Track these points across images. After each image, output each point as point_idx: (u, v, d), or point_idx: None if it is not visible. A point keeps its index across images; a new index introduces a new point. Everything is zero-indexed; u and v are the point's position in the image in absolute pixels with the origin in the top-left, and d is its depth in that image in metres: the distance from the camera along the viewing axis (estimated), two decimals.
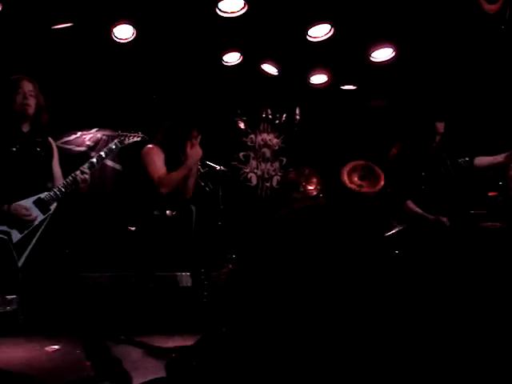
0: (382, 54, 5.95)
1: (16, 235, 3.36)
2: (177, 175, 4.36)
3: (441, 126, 4.54)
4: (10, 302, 5.06)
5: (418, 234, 4.48)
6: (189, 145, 4.36)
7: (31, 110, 3.50)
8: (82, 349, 3.66)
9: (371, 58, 6.00)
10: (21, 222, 3.36)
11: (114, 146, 3.80)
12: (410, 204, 4.49)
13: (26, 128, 3.57)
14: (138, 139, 4.03)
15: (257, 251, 2.20)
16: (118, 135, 3.90)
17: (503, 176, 4.98)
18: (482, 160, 4.57)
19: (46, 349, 4.47)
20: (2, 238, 3.32)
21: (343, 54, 6.22)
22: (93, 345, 3.58)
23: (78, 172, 3.57)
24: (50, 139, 3.74)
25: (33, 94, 3.52)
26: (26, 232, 3.38)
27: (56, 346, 4.52)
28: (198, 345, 2.73)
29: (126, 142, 3.93)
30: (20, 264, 3.34)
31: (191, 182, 4.62)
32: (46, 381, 3.63)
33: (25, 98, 3.47)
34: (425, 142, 4.57)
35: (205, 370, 2.45)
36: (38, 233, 3.42)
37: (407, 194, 4.53)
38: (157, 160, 4.43)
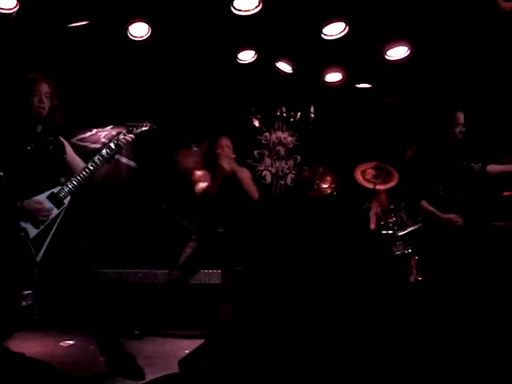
0: (397, 53, 5.91)
1: (32, 231, 3.40)
2: (213, 185, 4.93)
3: (461, 117, 4.39)
4: (26, 297, 5.15)
5: (432, 233, 4.43)
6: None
7: (45, 112, 3.58)
8: (96, 344, 3.71)
9: (386, 57, 5.97)
10: (35, 217, 3.40)
11: (121, 136, 3.83)
12: (424, 203, 4.38)
13: (39, 128, 3.64)
14: (147, 128, 4.04)
15: (269, 261, 2.20)
16: (125, 125, 3.91)
17: None
18: (494, 168, 4.45)
19: (61, 344, 4.52)
20: (20, 234, 3.36)
21: (358, 53, 6.20)
22: (107, 341, 3.62)
23: (89, 164, 3.61)
24: (61, 138, 3.79)
25: (48, 95, 3.57)
26: (41, 227, 3.43)
27: (71, 342, 4.57)
28: (210, 341, 2.72)
29: (134, 131, 3.94)
30: (38, 259, 3.38)
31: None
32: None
33: (40, 101, 3.53)
34: (445, 135, 4.40)
35: (217, 367, 2.45)
36: (54, 227, 3.47)
37: (422, 193, 4.42)
38: (199, 178, 5.04)
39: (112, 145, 3.78)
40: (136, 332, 4.73)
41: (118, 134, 3.92)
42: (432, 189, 4.38)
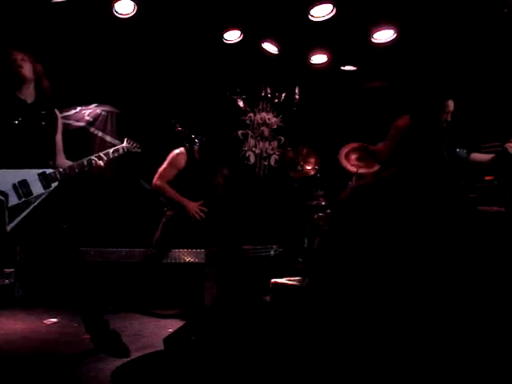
0: (384, 36, 5.93)
1: (13, 199, 3.39)
2: (170, 196, 5.00)
3: (451, 105, 4.42)
4: (8, 275, 5.15)
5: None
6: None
7: (26, 72, 3.50)
8: (80, 322, 3.72)
9: (373, 40, 5.98)
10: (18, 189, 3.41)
11: (121, 150, 4.00)
12: None
13: (30, 98, 3.57)
14: (139, 151, 4.25)
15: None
16: (127, 140, 4.13)
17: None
18: (476, 156, 4.54)
19: (45, 322, 4.50)
20: None
21: (344, 35, 6.21)
22: (92, 318, 3.63)
23: (85, 160, 3.65)
24: (57, 111, 3.75)
25: (26, 59, 3.52)
26: (23, 199, 3.41)
27: (54, 319, 4.56)
28: (196, 319, 2.75)
29: (131, 149, 4.12)
30: (9, 228, 3.36)
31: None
32: (44, 353, 3.67)
33: (16, 61, 3.47)
34: (433, 121, 4.43)
35: (204, 344, 2.48)
36: (34, 203, 3.45)
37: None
38: (172, 168, 5.04)
39: (110, 152, 3.88)
40: (110, 307, 4.74)
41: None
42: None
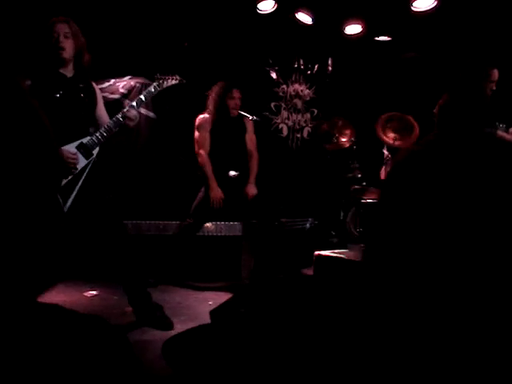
0: (424, 3, 5.75)
1: (62, 180, 3.36)
2: (206, 173, 4.97)
3: (496, 74, 4.29)
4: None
5: None
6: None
7: (66, 54, 3.46)
8: (120, 295, 3.72)
9: (412, 8, 5.81)
10: (65, 166, 3.36)
11: (153, 89, 3.76)
12: None
13: (69, 73, 3.55)
14: (176, 82, 3.96)
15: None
16: (156, 78, 3.83)
17: None
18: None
19: (85, 294, 4.53)
20: None
21: (382, 3, 6.05)
22: (135, 290, 3.62)
23: (119, 115, 3.54)
24: (94, 84, 3.71)
25: (68, 35, 3.46)
26: (70, 177, 3.38)
27: (94, 292, 4.58)
28: (247, 291, 2.71)
29: (165, 85, 3.86)
30: (66, 209, 3.34)
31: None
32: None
33: (58, 41, 3.42)
34: (478, 91, 4.31)
35: (254, 318, 2.44)
36: (82, 178, 3.42)
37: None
38: (206, 128, 5.04)
39: (142, 97, 3.70)
40: (151, 280, 4.74)
41: (148, 86, 3.85)
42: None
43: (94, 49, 5.43)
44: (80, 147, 3.45)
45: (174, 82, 3.93)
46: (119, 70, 6.21)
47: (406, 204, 1.93)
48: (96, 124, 3.67)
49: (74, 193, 3.38)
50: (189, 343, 2.49)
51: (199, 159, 5.01)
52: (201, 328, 2.72)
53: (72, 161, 3.36)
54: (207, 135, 5.03)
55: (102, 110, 3.74)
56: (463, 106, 4.04)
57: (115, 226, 3.56)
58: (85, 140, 3.48)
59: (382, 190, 2.08)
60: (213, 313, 2.81)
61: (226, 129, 5.04)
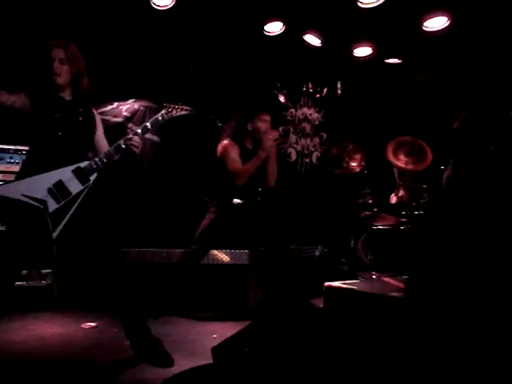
0: (437, 23, 5.59)
1: (52, 204, 3.19)
2: (251, 166, 4.74)
3: None
4: (45, 276, 4.99)
5: None
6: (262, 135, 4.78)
7: (61, 80, 3.33)
8: (120, 327, 3.52)
9: (424, 28, 5.65)
10: (55, 194, 3.20)
11: (160, 118, 3.56)
12: None
13: (68, 96, 3.42)
14: (186, 113, 3.76)
15: None
16: (165, 106, 3.64)
17: None
18: None
19: (83, 326, 4.33)
20: (37, 206, 3.14)
21: (392, 24, 5.90)
22: (133, 323, 3.42)
23: (121, 141, 3.36)
24: (94, 110, 3.56)
25: (64, 61, 3.32)
26: (63, 202, 3.20)
27: (92, 323, 4.37)
28: (251, 328, 2.50)
29: (174, 114, 3.65)
30: (55, 236, 3.16)
31: (271, 168, 4.96)
32: (83, 359, 3.48)
33: (53, 67, 3.30)
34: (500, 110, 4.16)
35: (259, 358, 2.23)
36: (76, 204, 3.24)
37: None
38: (233, 155, 4.81)
39: (148, 125, 3.52)
40: (153, 311, 4.54)
41: (152, 109, 3.69)
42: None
43: (98, 71, 5.31)
44: (76, 171, 3.28)
45: (183, 112, 3.73)
46: (123, 93, 6.08)
47: (458, 233, 1.74)
48: (94, 149, 3.50)
49: (66, 219, 3.19)
50: None
51: (244, 175, 4.80)
52: (201, 369, 2.51)
53: None
54: (239, 160, 4.85)
55: (101, 136, 3.58)
56: (485, 122, 3.88)
57: (110, 255, 3.38)
58: (82, 164, 3.31)
59: (427, 221, 1.91)
60: (215, 350, 2.60)
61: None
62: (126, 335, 3.45)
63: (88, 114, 3.49)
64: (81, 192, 3.26)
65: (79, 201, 3.25)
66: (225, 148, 4.86)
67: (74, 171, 3.27)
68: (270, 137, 4.75)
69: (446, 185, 3.88)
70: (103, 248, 3.35)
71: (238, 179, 4.75)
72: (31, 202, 3.15)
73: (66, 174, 3.25)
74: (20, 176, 3.26)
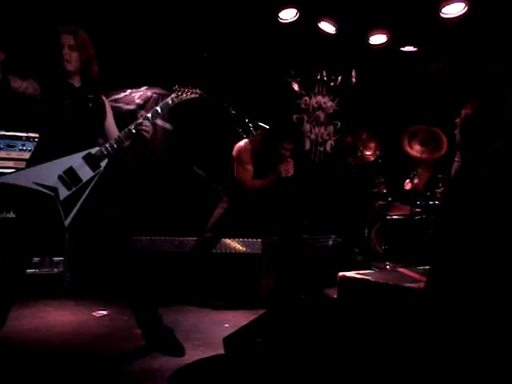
0: (454, 10, 5.49)
1: (64, 192, 3.15)
2: (260, 184, 4.78)
3: None
4: (57, 264, 4.97)
5: None
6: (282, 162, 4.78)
7: (71, 67, 3.27)
8: (131, 315, 3.49)
9: (441, 15, 5.55)
10: (66, 181, 3.16)
11: (170, 102, 3.50)
12: None
13: (77, 83, 3.36)
14: (196, 96, 3.69)
15: None
16: (175, 90, 3.59)
17: None
18: None
19: (94, 314, 4.31)
20: (49, 194, 3.11)
21: (409, 11, 5.80)
22: (144, 312, 3.39)
23: (131, 126, 3.32)
24: (103, 97, 3.50)
25: (74, 47, 3.27)
26: (74, 189, 3.16)
27: (104, 312, 4.35)
28: (264, 318, 2.45)
29: (184, 97, 3.60)
30: (67, 223, 3.12)
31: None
32: (93, 347, 3.46)
33: (62, 54, 3.24)
34: (500, 97, 4.10)
35: (272, 349, 2.19)
36: (87, 190, 3.20)
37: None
38: (245, 161, 4.79)
39: (158, 109, 3.46)
40: (164, 299, 4.51)
41: (165, 96, 3.63)
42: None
43: (111, 58, 5.30)
44: (87, 158, 3.23)
45: (193, 95, 3.65)
46: (136, 80, 6.04)
47: (478, 225, 1.68)
48: (104, 136, 3.46)
49: (78, 206, 3.15)
50: (197, 377, 2.25)
51: (253, 189, 4.80)
52: (212, 359, 2.47)
53: None
54: (251, 167, 4.82)
55: (111, 123, 3.52)
56: (488, 117, 3.79)
57: (121, 243, 3.34)
58: (93, 151, 3.26)
59: (447, 212, 1.83)
60: (226, 340, 2.56)
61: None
62: (138, 324, 3.42)
63: (97, 101, 3.43)
64: (92, 178, 3.22)
65: (90, 187, 3.21)
66: (239, 151, 4.83)
67: (84, 157, 3.22)
68: (286, 168, 4.78)
69: (460, 176, 3.83)
70: (114, 235, 3.32)
71: (244, 187, 4.78)
72: (42, 189, 3.11)
73: (76, 160, 3.20)
74: (30, 163, 3.22)
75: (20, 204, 3.21)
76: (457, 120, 4.79)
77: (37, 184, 3.11)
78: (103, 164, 3.28)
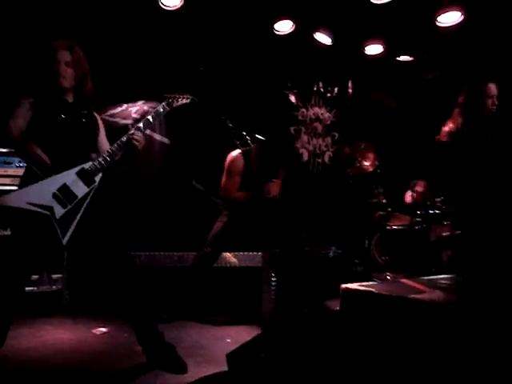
0: (450, 18, 5.47)
1: (59, 210, 3.09)
2: (242, 197, 4.82)
3: (492, 88, 4.09)
4: (56, 281, 4.92)
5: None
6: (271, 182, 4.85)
7: (66, 83, 3.25)
8: (131, 332, 3.45)
9: (437, 23, 5.54)
10: (61, 199, 3.11)
11: (161, 109, 3.48)
12: None
13: (71, 99, 3.34)
14: (188, 101, 3.65)
15: None
16: (165, 97, 3.55)
17: None
18: None
19: (94, 331, 4.26)
20: (44, 213, 3.05)
21: (404, 20, 5.80)
22: (145, 329, 3.34)
23: (123, 137, 3.28)
24: (95, 113, 3.48)
25: (69, 64, 3.24)
26: (69, 206, 3.11)
27: (103, 329, 4.31)
28: (267, 333, 2.41)
29: (175, 104, 3.54)
30: (65, 242, 3.06)
31: None
32: (94, 366, 3.41)
33: (59, 70, 3.21)
34: (475, 107, 4.12)
35: (276, 365, 2.14)
36: (83, 206, 3.15)
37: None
38: (237, 172, 4.85)
39: (150, 118, 3.44)
40: (164, 315, 4.46)
41: (155, 107, 3.59)
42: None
43: (106, 72, 5.30)
44: (81, 173, 3.18)
45: (184, 100, 3.62)
46: (132, 95, 6.01)
47: None
48: (97, 151, 3.42)
49: (75, 223, 3.10)
50: None
51: (236, 200, 4.84)
52: (216, 377, 2.43)
53: None
54: (239, 179, 4.87)
55: (103, 138, 3.50)
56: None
57: (120, 259, 3.29)
58: (86, 166, 3.21)
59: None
60: (230, 356, 2.52)
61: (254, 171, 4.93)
62: (138, 341, 3.38)
63: (90, 117, 3.41)
64: (87, 194, 3.17)
65: (86, 203, 3.16)
66: (231, 161, 4.90)
67: (78, 173, 3.17)
68: (268, 189, 4.83)
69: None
70: (112, 251, 3.27)
71: (225, 196, 4.89)
72: (37, 209, 3.04)
73: (70, 177, 3.16)
74: (24, 181, 3.17)
75: (16, 225, 3.16)
76: (438, 137, 4.83)
77: (31, 204, 3.04)
78: (97, 179, 3.24)
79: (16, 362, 3.42)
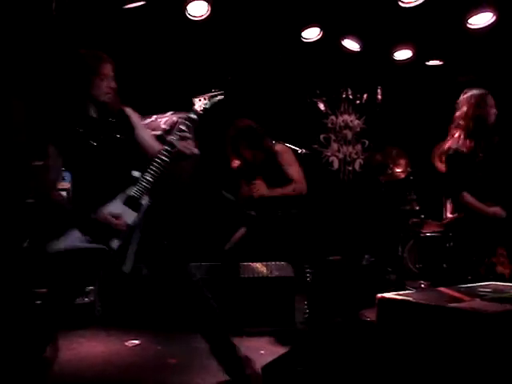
0: (481, 20, 5.38)
1: (114, 242, 2.96)
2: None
3: (491, 97, 4.21)
4: (88, 293, 4.91)
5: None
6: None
7: (110, 99, 3.09)
8: (163, 344, 3.40)
9: (468, 25, 5.44)
10: (114, 230, 2.96)
11: (193, 115, 3.29)
12: (466, 195, 4.16)
13: (95, 113, 3.14)
14: (219, 98, 3.36)
15: None
16: (193, 102, 3.32)
17: None
18: None
19: (126, 343, 4.23)
20: (100, 248, 2.93)
21: (434, 23, 5.71)
22: (219, 342, 3.13)
23: (166, 145, 3.15)
24: (125, 108, 3.25)
25: (114, 78, 3.09)
26: (123, 236, 2.98)
27: (136, 341, 4.27)
28: (302, 345, 2.35)
29: (206, 105, 3.30)
30: (127, 270, 2.95)
31: None
32: (126, 379, 3.38)
33: (109, 86, 3.06)
34: (474, 118, 4.23)
35: (313, 378, 2.08)
36: (137, 232, 3.02)
37: (464, 183, 4.19)
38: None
39: (192, 115, 3.27)
40: None
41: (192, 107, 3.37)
42: (471, 176, 4.20)
43: (135, 85, 5.30)
44: (128, 201, 3.02)
45: (214, 99, 3.34)
46: (161, 106, 6.01)
47: None
48: (142, 152, 3.24)
49: (133, 250, 2.98)
50: None
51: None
52: None
53: (119, 226, 2.96)
54: None
55: (142, 133, 3.31)
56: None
57: (179, 272, 3.13)
58: (131, 192, 3.02)
59: None
60: (265, 369, 2.46)
61: None
62: (213, 353, 3.12)
63: (121, 121, 3.19)
64: (139, 220, 3.04)
65: (140, 228, 3.04)
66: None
67: (125, 203, 3.02)
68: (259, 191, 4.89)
69: None
70: (171, 267, 3.14)
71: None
72: (92, 245, 2.93)
73: (117, 207, 3.00)
74: (73, 216, 3.05)
75: (76, 266, 2.99)
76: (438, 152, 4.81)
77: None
78: (144, 202, 3.06)
79: (50, 375, 3.40)
